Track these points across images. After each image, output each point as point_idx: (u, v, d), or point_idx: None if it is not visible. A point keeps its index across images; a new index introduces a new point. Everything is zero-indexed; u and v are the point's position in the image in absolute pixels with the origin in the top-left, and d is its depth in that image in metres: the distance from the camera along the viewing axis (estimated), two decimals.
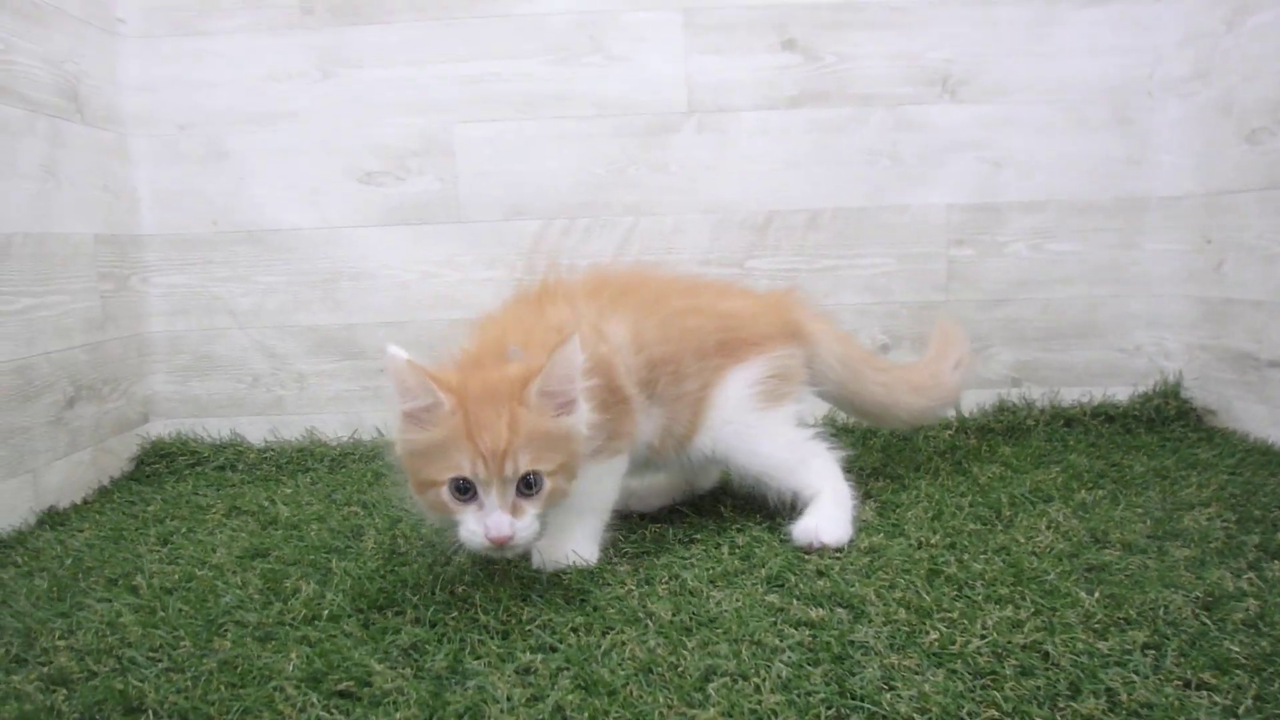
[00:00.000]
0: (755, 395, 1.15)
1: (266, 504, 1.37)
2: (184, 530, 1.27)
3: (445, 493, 0.92)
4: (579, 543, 1.05)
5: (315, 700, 0.78)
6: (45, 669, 0.86)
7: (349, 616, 0.95)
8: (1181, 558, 1.01)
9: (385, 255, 1.66)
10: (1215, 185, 1.58)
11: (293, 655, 0.86)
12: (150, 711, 0.78)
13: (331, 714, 0.77)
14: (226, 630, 0.93)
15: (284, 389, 1.69)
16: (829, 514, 1.10)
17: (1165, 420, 1.62)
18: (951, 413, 1.58)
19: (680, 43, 1.62)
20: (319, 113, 1.63)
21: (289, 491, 1.44)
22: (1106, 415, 1.64)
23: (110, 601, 1.02)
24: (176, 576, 1.08)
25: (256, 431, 1.68)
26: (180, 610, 0.98)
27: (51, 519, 1.35)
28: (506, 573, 1.05)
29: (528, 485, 0.93)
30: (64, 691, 0.82)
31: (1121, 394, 1.68)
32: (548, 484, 0.94)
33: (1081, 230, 1.67)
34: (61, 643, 0.92)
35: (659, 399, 1.13)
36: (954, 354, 1.36)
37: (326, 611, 0.96)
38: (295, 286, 1.67)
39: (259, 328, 1.68)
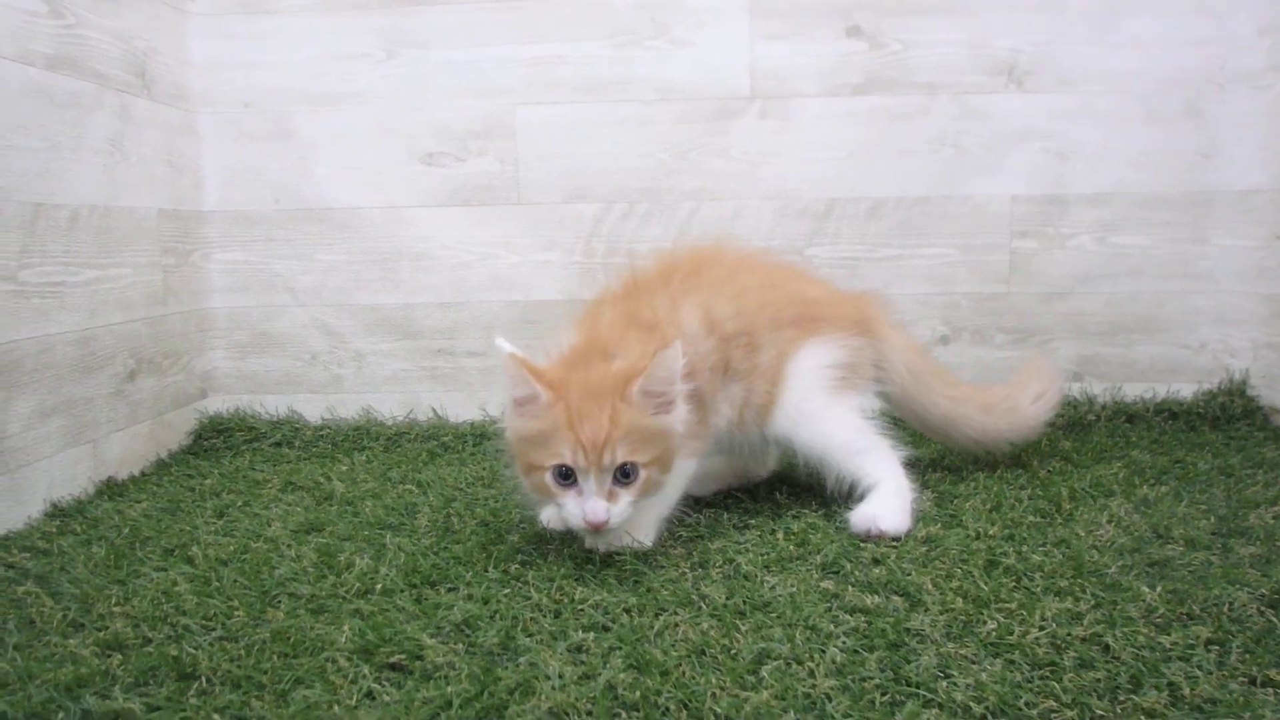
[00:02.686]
0: (827, 377, 1.16)
1: (322, 480, 1.39)
2: (240, 504, 1.29)
3: (549, 477, 0.99)
4: (637, 528, 1.06)
5: (367, 672, 0.79)
6: (101, 634, 0.88)
7: (402, 591, 0.96)
8: (1246, 555, 0.99)
9: (444, 236, 1.67)
10: None
11: (345, 627, 0.87)
12: (203, 678, 0.80)
13: (382, 685, 0.78)
14: (280, 601, 0.95)
15: (341, 367, 1.72)
16: (888, 502, 1.10)
17: (1230, 418, 1.58)
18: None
19: (744, 28, 1.60)
20: (381, 93, 1.65)
21: (344, 469, 1.46)
22: (1170, 412, 1.60)
23: (166, 571, 1.04)
24: (232, 548, 1.10)
25: (313, 409, 1.71)
26: (235, 581, 1.00)
27: (110, 490, 1.38)
28: (560, 552, 1.06)
29: (624, 474, 0.99)
30: (119, 656, 0.84)
31: (1185, 391, 1.64)
32: (643, 474, 1.00)
33: (1148, 224, 1.63)
34: (117, 609, 0.94)
35: (735, 374, 1.15)
36: (1038, 387, 1.32)
37: (380, 586, 0.97)
38: (355, 265, 1.69)
39: (318, 306, 1.70)
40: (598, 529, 0.98)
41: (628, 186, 1.65)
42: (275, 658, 0.82)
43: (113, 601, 0.95)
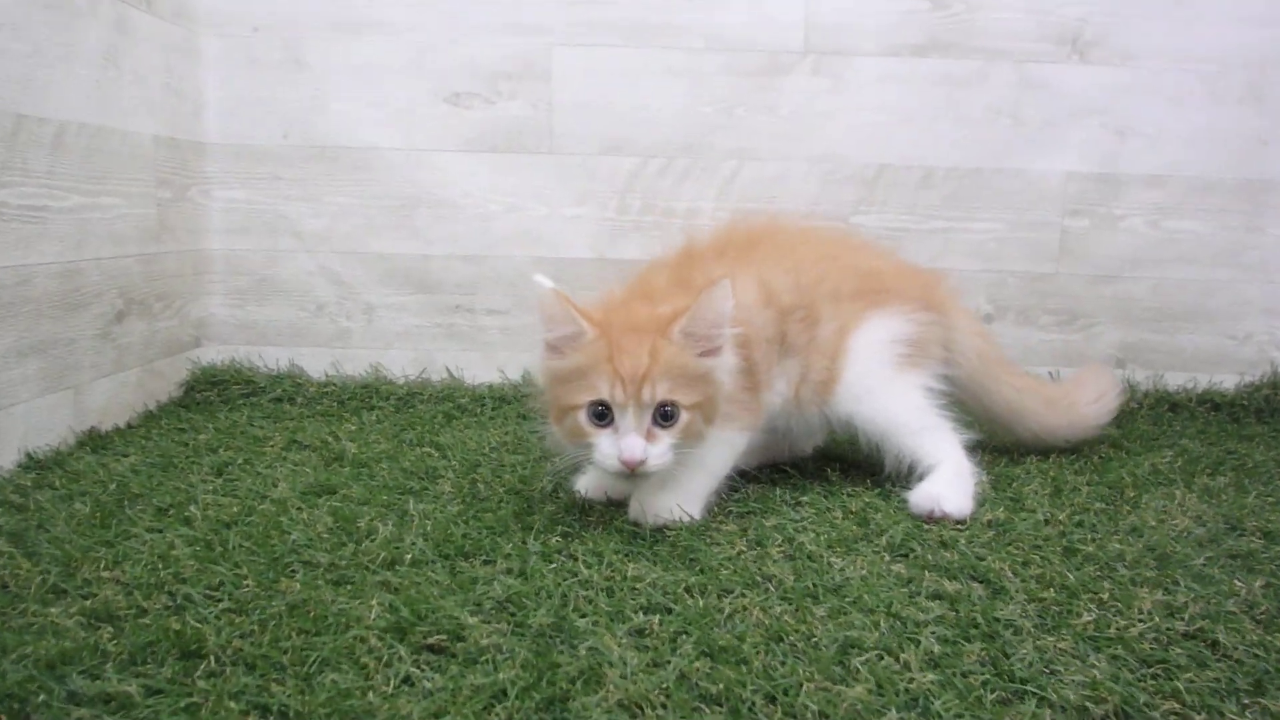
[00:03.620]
0: (892, 352, 1.11)
1: (330, 439, 1.28)
2: (240, 461, 1.18)
3: (583, 416, 0.93)
4: (684, 498, 1.00)
5: (403, 654, 0.70)
6: (88, 603, 0.77)
7: (432, 563, 0.87)
8: None
9: (468, 183, 1.56)
10: None
11: (373, 602, 0.77)
12: (212, 657, 0.69)
13: (422, 670, 0.69)
14: (295, 570, 0.85)
15: (350, 320, 1.60)
16: (951, 483, 1.05)
17: (1274, 411, 1.55)
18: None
19: None
20: (408, 25, 1.52)
21: (353, 428, 1.36)
22: (1213, 403, 1.57)
23: (161, 532, 0.93)
24: (235, 510, 0.99)
25: (317, 364, 1.60)
26: (241, 546, 0.89)
27: (93, 441, 1.25)
28: (605, 525, 0.98)
29: (665, 416, 0.93)
30: (109, 629, 0.73)
31: (1228, 382, 1.60)
32: (684, 416, 0.94)
33: (1203, 209, 1.58)
34: (106, 574, 0.83)
35: (792, 349, 1.09)
36: (1096, 388, 1.29)
37: (409, 556, 0.88)
38: (369, 210, 1.57)
39: (326, 252, 1.58)
40: (633, 469, 0.91)
41: (668, 140, 1.55)
42: (295, 635, 0.73)
43: (101, 565, 0.84)
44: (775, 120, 1.55)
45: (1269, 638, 0.76)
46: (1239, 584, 0.85)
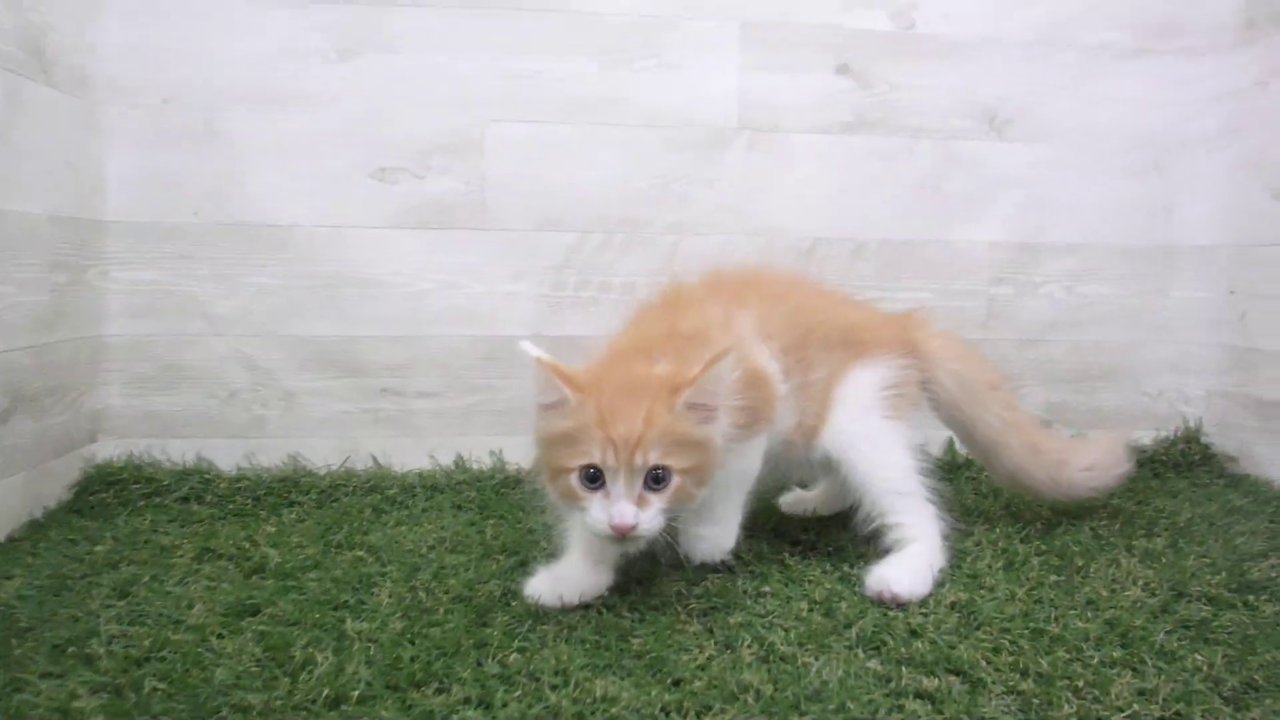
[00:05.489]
0: (879, 400, 1.14)
1: (247, 545, 1.17)
2: (146, 578, 1.05)
3: (575, 480, 0.93)
4: (723, 525, 1.05)
5: None
6: None
7: (381, 697, 0.79)
8: (1271, 613, 0.99)
9: (398, 261, 1.49)
10: (1242, 238, 1.59)
11: None
12: None
13: None
14: (224, 718, 0.75)
15: (266, 408, 1.49)
16: (907, 564, 1.05)
17: (1190, 465, 1.62)
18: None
19: (736, 56, 1.53)
20: (333, 97, 1.45)
21: (273, 530, 1.24)
22: (1135, 459, 1.61)
23: (60, 678, 0.80)
24: (147, 642, 0.87)
25: (228, 456, 1.47)
26: (158, 690, 0.79)
27: None
28: (565, 633, 0.92)
29: (656, 480, 0.93)
30: None
31: (1145, 438, 1.67)
32: (675, 480, 0.93)
33: (1114, 275, 1.66)
34: None
35: (791, 386, 1.10)
36: (1094, 457, 1.27)
37: (355, 692, 0.79)
38: (289, 290, 1.47)
39: (240, 335, 1.47)
40: (624, 535, 0.91)
41: (607, 215, 1.52)
42: None
43: None
44: (713, 194, 1.55)
45: (1239, 715, 0.77)
46: (1200, 658, 0.87)
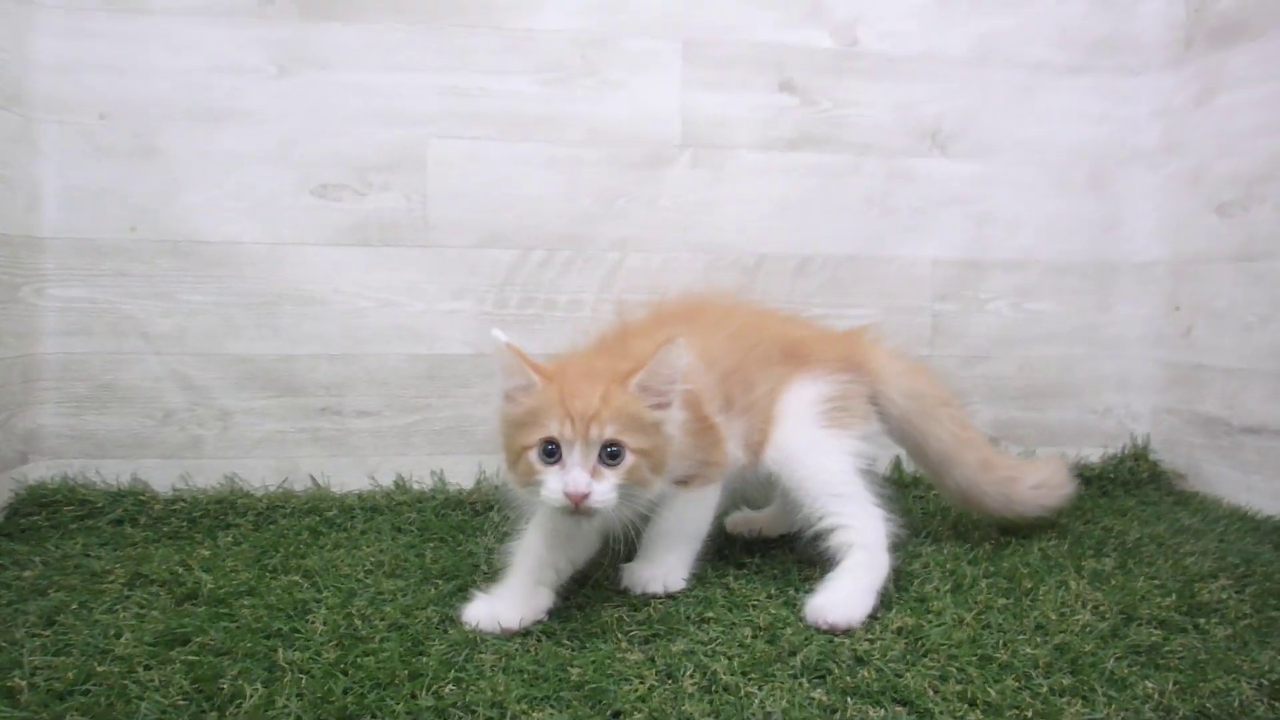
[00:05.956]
0: (819, 412, 1.15)
1: (180, 570, 1.13)
2: (75, 605, 1.02)
3: (534, 455, 0.96)
4: (671, 567, 1.09)
5: None
6: None
7: None
8: (1221, 636, 0.98)
9: (338, 279, 1.47)
10: (1184, 254, 1.61)
11: None
12: None
13: None
14: None
15: (202, 427, 1.46)
16: (844, 589, 1.03)
17: (1138, 483, 1.62)
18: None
19: (678, 74, 1.53)
20: (272, 114, 1.44)
21: (207, 554, 1.20)
22: (1084, 477, 1.61)
23: None
24: (71, 674, 0.85)
25: (164, 477, 1.44)
26: None
27: None
28: (502, 662, 0.90)
29: (611, 456, 0.96)
30: None
31: (1093, 455, 1.67)
32: (629, 458, 0.96)
33: (1059, 291, 1.67)
34: None
35: (736, 410, 1.12)
36: (1042, 477, 1.29)
37: None
38: (227, 308, 1.45)
39: (177, 354, 1.45)
40: (577, 503, 0.93)
41: (549, 232, 1.52)
42: None
43: None
44: (657, 211, 1.54)
45: None
46: (1151, 685, 0.86)
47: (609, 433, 0.95)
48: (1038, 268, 1.66)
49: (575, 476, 0.93)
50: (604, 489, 0.94)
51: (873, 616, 1.01)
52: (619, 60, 1.51)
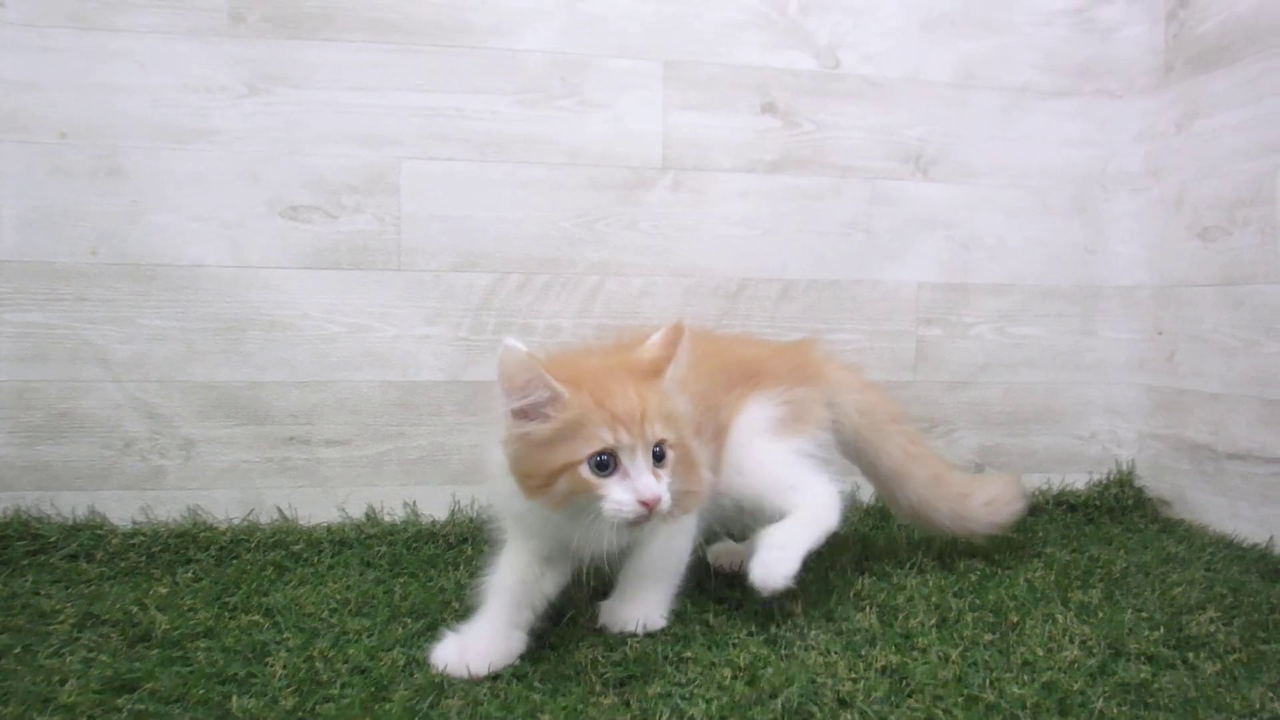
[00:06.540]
0: (769, 422, 1.15)
1: (135, 610, 1.08)
2: (19, 649, 0.96)
3: (585, 470, 0.90)
4: (650, 606, 1.05)
5: None
6: None
7: None
8: (1211, 672, 0.95)
9: (308, 303, 1.42)
10: (1168, 278, 1.60)
11: None
12: None
13: None
14: None
15: (164, 457, 1.41)
16: (774, 546, 1.03)
17: (1124, 510, 1.60)
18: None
19: (659, 95, 1.51)
20: (241, 133, 1.40)
21: (165, 592, 1.15)
22: (1069, 504, 1.61)
23: None
24: None
25: (123, 510, 1.38)
26: None
27: None
28: (470, 712, 0.85)
29: (658, 456, 0.94)
30: None
31: (1079, 481, 1.65)
32: (670, 455, 0.95)
33: (1043, 315, 1.66)
34: None
35: (706, 436, 1.11)
36: (993, 493, 1.29)
37: None
38: (191, 334, 1.40)
39: (138, 381, 1.40)
40: (652, 508, 0.90)
41: (527, 256, 1.48)
42: None
43: None
44: (637, 235, 1.51)
45: None
46: None
47: (659, 432, 0.92)
48: (1021, 291, 1.65)
49: (648, 483, 0.90)
50: (665, 490, 0.92)
51: (857, 654, 0.98)
52: (599, 81, 1.49)
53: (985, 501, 1.27)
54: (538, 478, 0.91)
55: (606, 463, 0.90)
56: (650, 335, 1.05)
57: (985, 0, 1.61)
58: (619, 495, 0.89)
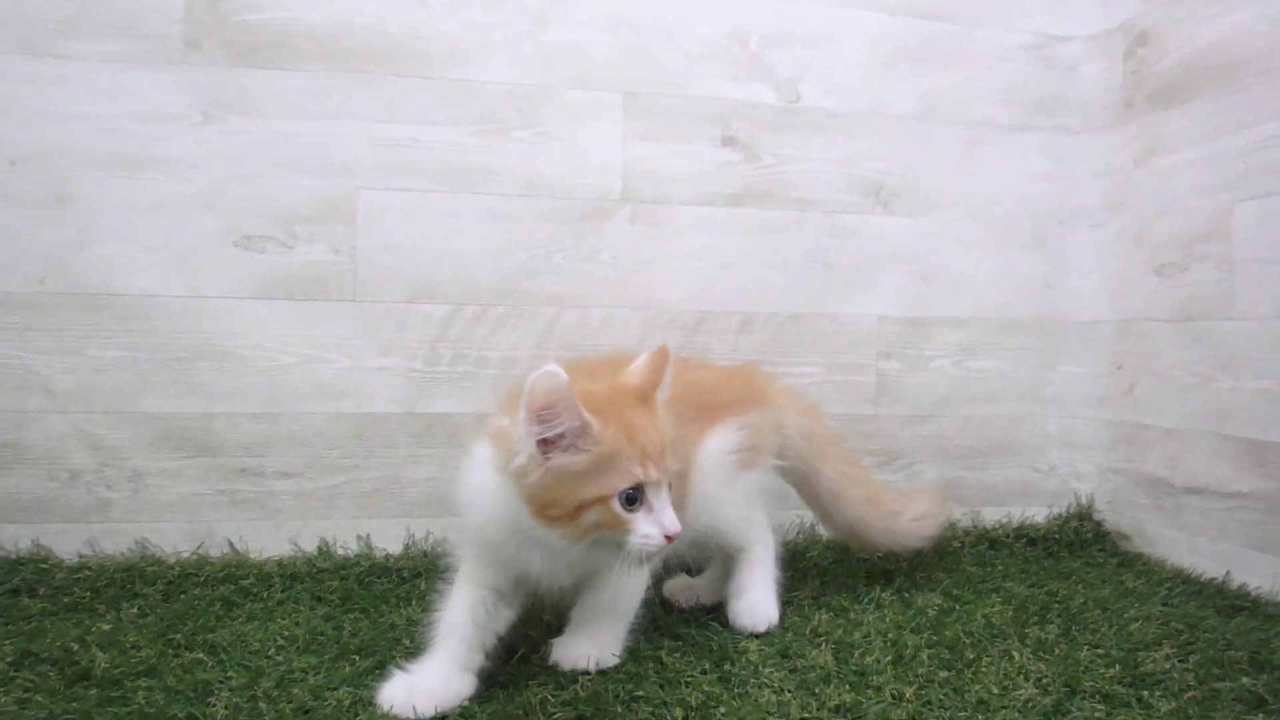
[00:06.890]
0: (726, 463, 1.16)
1: (75, 647, 1.05)
2: None
3: (616, 504, 0.90)
4: (604, 643, 1.04)
5: None
6: None
7: None
8: (1165, 711, 0.95)
9: (260, 333, 1.41)
10: (1126, 313, 1.61)
11: None
12: None
13: None
14: None
15: (111, 489, 1.38)
16: (750, 590, 1.16)
17: (1083, 544, 1.60)
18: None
19: (619, 127, 1.51)
20: (194, 161, 1.38)
21: (107, 628, 1.12)
22: (1029, 538, 1.60)
23: None
24: None
25: (68, 543, 1.35)
26: None
27: None
28: None
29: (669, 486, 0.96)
30: None
31: (1038, 515, 1.65)
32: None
33: (1003, 348, 1.67)
34: None
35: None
36: (922, 508, 1.35)
37: None
38: (140, 364, 1.38)
39: (84, 412, 1.37)
40: (672, 540, 0.92)
41: (482, 287, 1.47)
42: None
43: None
44: (596, 266, 1.51)
45: None
46: None
47: (673, 462, 0.94)
48: (981, 325, 1.65)
49: (673, 518, 0.91)
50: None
51: (810, 692, 0.97)
52: (558, 112, 1.49)
53: (914, 517, 1.33)
54: (562, 509, 0.89)
55: (635, 496, 0.91)
56: (631, 360, 1.05)
57: (946, 35, 1.63)
58: (646, 529, 0.90)
